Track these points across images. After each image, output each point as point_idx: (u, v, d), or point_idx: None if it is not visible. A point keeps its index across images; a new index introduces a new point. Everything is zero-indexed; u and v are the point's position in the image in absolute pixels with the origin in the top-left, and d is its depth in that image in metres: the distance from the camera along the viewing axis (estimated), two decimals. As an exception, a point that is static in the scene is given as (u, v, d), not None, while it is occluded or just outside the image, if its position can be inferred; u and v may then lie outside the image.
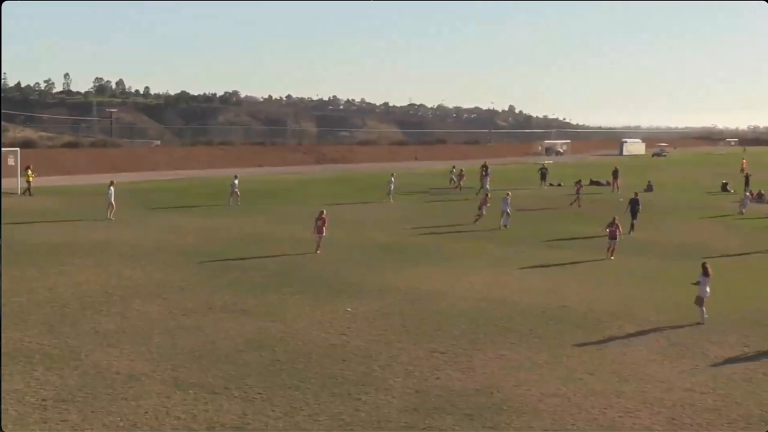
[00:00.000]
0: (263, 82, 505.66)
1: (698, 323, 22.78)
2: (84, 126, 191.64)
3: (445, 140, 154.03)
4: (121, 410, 15.32)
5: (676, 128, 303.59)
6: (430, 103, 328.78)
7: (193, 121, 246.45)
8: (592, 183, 73.49)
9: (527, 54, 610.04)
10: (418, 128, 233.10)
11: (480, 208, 44.99)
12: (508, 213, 43.29)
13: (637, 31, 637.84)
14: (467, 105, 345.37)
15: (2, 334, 19.66)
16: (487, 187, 61.23)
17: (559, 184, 70.90)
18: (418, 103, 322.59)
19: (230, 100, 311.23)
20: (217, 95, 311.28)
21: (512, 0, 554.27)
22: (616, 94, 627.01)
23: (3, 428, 14.39)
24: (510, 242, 37.96)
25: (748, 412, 16.10)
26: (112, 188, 43.45)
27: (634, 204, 42.65)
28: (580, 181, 57.84)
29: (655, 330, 22.18)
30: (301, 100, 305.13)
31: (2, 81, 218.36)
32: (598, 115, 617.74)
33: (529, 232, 41.56)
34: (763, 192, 62.66)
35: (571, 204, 54.23)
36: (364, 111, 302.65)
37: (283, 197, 56.81)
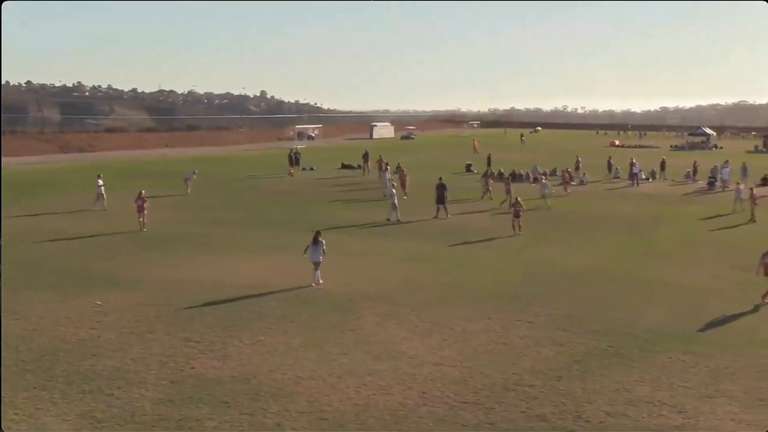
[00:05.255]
0: None
1: (311, 285, 25.30)
2: None
3: (196, 126, 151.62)
4: None
5: (424, 111, 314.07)
6: (181, 89, 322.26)
7: None
8: (344, 167, 74.85)
9: (275, 39, 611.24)
10: (168, 114, 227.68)
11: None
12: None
13: (387, 23, 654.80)
14: (218, 90, 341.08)
15: None
16: None
17: (312, 168, 71.65)
18: (168, 89, 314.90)
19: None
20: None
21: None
22: (365, 78, 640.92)
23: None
24: (268, 228, 38.00)
25: (491, 381, 17.00)
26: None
27: (441, 189, 42.72)
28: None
29: (406, 309, 22.91)
30: (43, 86, 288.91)
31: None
32: (349, 99, 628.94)
33: (286, 218, 41.81)
34: (503, 171, 66.13)
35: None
36: (112, 97, 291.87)
37: (40, 189, 53.68)
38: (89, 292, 24.20)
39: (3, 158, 78.70)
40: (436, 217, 41.72)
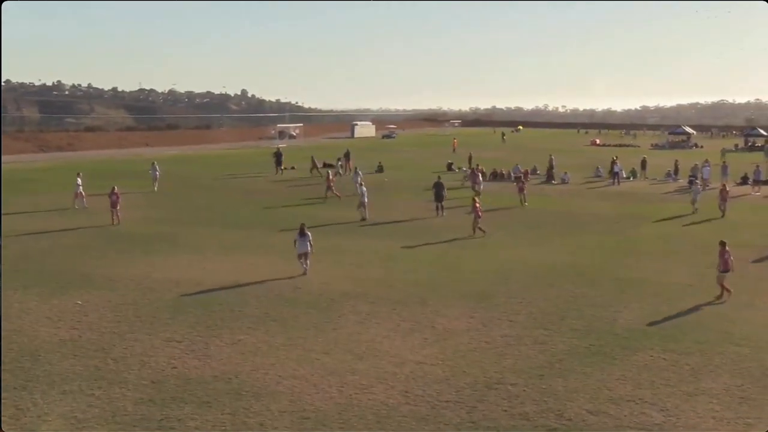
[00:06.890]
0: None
1: (302, 274, 26.71)
2: None
3: (177, 125, 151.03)
4: None
5: (405, 110, 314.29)
6: (161, 88, 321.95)
7: None
8: (326, 165, 74.60)
9: (256, 37, 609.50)
10: (149, 113, 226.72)
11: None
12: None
13: (368, 22, 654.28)
14: (199, 89, 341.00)
15: None
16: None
17: (293, 168, 71.39)
18: (148, 88, 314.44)
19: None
20: None
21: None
22: (346, 77, 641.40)
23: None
24: (249, 228, 37.90)
25: (474, 380, 17.00)
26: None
27: (438, 188, 42.50)
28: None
29: (387, 308, 22.91)
30: (22, 85, 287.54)
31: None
32: (330, 98, 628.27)
33: (266, 217, 41.71)
34: (482, 168, 66.11)
35: None
36: (92, 96, 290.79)
37: (16, 188, 53.25)
38: (68, 292, 24.07)
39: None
40: (440, 215, 41.64)
